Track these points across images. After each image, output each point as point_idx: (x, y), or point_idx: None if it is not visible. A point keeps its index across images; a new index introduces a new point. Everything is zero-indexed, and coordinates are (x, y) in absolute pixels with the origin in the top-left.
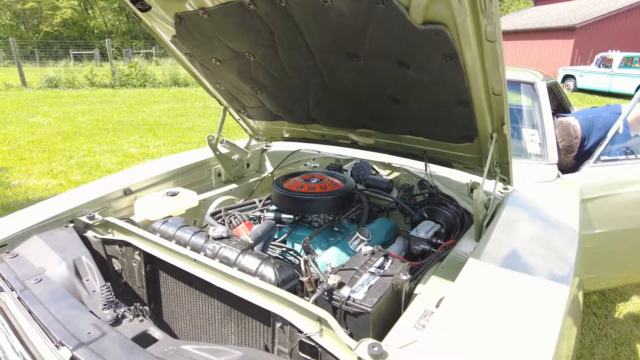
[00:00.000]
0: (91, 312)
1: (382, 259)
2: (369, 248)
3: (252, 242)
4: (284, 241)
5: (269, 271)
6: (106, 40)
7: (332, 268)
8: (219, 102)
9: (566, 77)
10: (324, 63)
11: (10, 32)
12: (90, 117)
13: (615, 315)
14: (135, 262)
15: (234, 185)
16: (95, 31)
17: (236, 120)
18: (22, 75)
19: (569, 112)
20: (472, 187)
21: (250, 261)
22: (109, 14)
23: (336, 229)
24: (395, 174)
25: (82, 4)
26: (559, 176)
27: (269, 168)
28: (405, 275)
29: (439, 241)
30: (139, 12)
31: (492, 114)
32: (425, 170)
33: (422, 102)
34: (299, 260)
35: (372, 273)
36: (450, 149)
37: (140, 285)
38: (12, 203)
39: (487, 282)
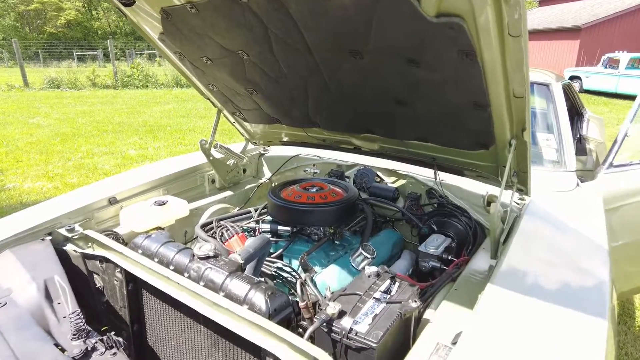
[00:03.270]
0: (56, 345)
1: (388, 281)
2: (374, 269)
3: (242, 261)
4: (280, 256)
5: (259, 298)
6: (108, 40)
7: (332, 293)
8: (213, 104)
9: (572, 78)
10: (324, 62)
11: (14, 33)
12: (91, 119)
13: (636, 332)
14: (116, 280)
15: (229, 193)
16: (99, 32)
17: (231, 123)
18: (24, 75)
19: (583, 115)
20: (489, 201)
21: (239, 286)
22: (112, 15)
23: (337, 242)
24: (402, 181)
25: (86, 5)
26: (578, 184)
27: (267, 174)
28: (415, 302)
29: (450, 257)
30: (122, 7)
31: (511, 119)
32: (435, 178)
33: (433, 105)
34: (295, 278)
35: (378, 299)
36: (462, 157)
37: (122, 305)
38: (5, 207)
39: (512, 312)
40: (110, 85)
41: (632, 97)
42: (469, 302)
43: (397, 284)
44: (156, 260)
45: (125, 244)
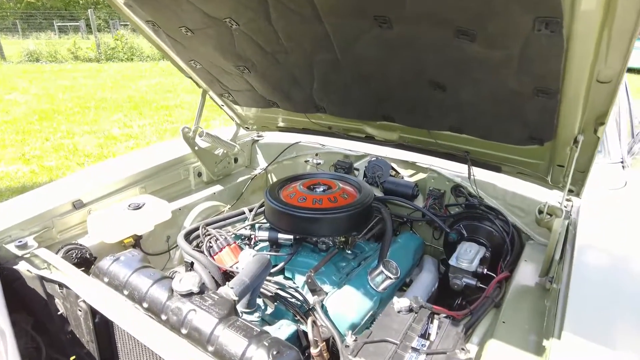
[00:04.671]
0: None
1: (424, 320)
2: (405, 302)
3: (236, 298)
4: (282, 270)
5: (260, 357)
6: (89, 10)
7: (355, 339)
8: (197, 84)
9: None
10: (338, 32)
11: None
12: (72, 94)
13: None
14: (80, 310)
15: (218, 187)
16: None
17: (219, 106)
18: (0, 48)
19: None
20: (550, 213)
21: (233, 340)
22: None
23: (349, 251)
24: (421, 175)
25: None
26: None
27: (262, 163)
28: (463, 350)
29: (485, 271)
30: None
31: (585, 110)
32: (469, 176)
33: (481, 90)
34: (300, 301)
35: (416, 350)
36: (504, 151)
37: (89, 339)
38: None
39: None
40: (93, 58)
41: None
42: (525, 342)
43: (435, 322)
44: (126, 293)
45: (93, 259)
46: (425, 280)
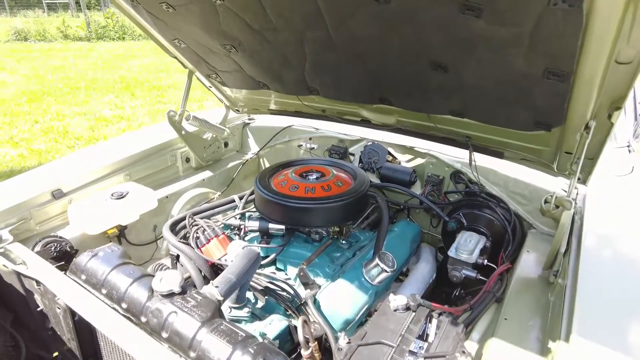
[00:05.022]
0: None
1: (422, 321)
2: (402, 300)
3: (221, 298)
4: (273, 261)
5: None
6: None
7: (348, 340)
8: (182, 64)
9: None
10: (331, 8)
11: None
12: (62, 75)
13: None
14: (59, 308)
15: (208, 173)
16: None
17: (207, 88)
18: None
19: None
20: (558, 205)
21: (217, 345)
22: None
23: (343, 241)
24: (419, 161)
25: None
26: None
27: (254, 147)
28: (464, 353)
29: (485, 262)
30: None
31: (600, 93)
32: (470, 162)
33: (487, 71)
34: (291, 295)
35: (414, 353)
36: (508, 137)
37: (70, 337)
38: None
39: None
40: (84, 37)
41: None
42: (529, 341)
43: (434, 322)
44: (104, 292)
45: (74, 252)
46: (423, 271)
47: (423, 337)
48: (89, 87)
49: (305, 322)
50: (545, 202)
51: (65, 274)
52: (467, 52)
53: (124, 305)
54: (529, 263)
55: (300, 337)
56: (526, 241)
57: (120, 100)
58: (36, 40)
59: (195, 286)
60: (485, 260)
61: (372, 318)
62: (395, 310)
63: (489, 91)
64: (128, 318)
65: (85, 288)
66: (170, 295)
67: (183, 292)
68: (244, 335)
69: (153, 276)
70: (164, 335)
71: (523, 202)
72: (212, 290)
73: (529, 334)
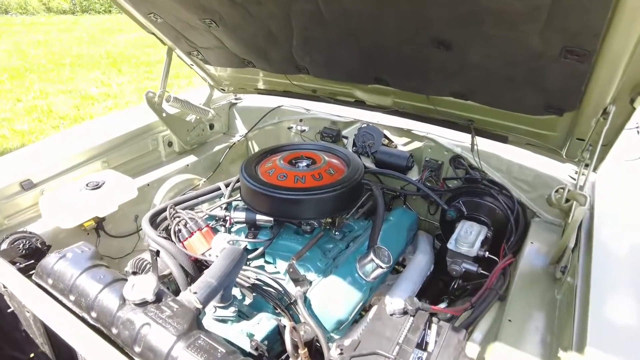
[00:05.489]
0: None
1: (422, 328)
2: (399, 303)
3: (200, 306)
4: (262, 254)
5: None
6: None
7: (341, 350)
8: (161, 41)
9: None
10: None
11: None
12: (45, 50)
13: None
14: (28, 312)
15: (192, 158)
16: None
17: (189, 66)
18: None
19: None
20: (570, 198)
21: None
22: None
23: (336, 232)
24: (417, 144)
25: None
26: None
27: (241, 129)
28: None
29: (486, 254)
30: None
31: (624, 75)
32: (472, 147)
33: (496, 49)
34: (281, 293)
35: None
36: (514, 121)
37: (43, 342)
38: None
39: None
40: (68, 10)
41: None
42: (536, 347)
43: (434, 328)
44: (72, 298)
45: (46, 248)
46: (420, 264)
47: (422, 345)
48: (74, 63)
49: (293, 328)
50: (556, 192)
51: (32, 277)
52: (473, 27)
53: (94, 314)
54: (533, 255)
55: (288, 345)
56: (530, 231)
57: (106, 77)
58: (17, 14)
59: (176, 285)
60: (487, 252)
61: (367, 324)
62: (391, 315)
63: (497, 72)
64: (98, 329)
65: (52, 294)
66: (143, 304)
67: (158, 300)
68: (223, 351)
69: (126, 280)
70: (137, 349)
71: (526, 189)
72: (190, 297)
73: (536, 338)
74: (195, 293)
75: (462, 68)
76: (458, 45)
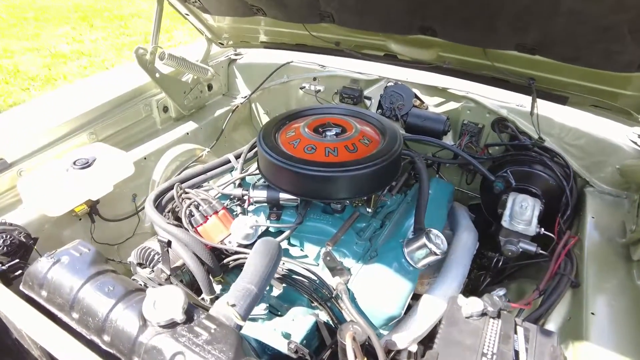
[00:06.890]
0: None
1: (512, 337)
2: (477, 304)
3: (243, 323)
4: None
5: None
6: None
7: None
8: None
9: None
10: None
11: None
12: (4, 2)
13: None
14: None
15: (192, 125)
16: None
17: (183, 16)
18: None
19: None
20: None
21: None
22: None
23: (368, 209)
24: (453, 104)
25: None
26: None
27: (243, 90)
28: None
29: (542, 231)
30: None
31: None
32: (532, 111)
33: None
34: (316, 284)
35: None
36: (584, 79)
37: (40, 354)
38: None
39: None
40: None
41: None
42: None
43: (520, 331)
44: (76, 316)
45: (32, 241)
46: (467, 243)
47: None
48: (38, 17)
49: (353, 338)
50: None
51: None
52: None
53: (107, 339)
54: (598, 233)
55: (350, 355)
56: (587, 204)
57: (77, 33)
58: None
59: (190, 276)
60: (542, 229)
61: (441, 332)
62: (467, 319)
63: (597, 19)
64: (113, 356)
65: (48, 310)
66: (171, 325)
67: (189, 319)
68: None
69: (143, 290)
70: None
71: (579, 156)
72: (228, 311)
73: (625, 336)
74: (233, 305)
75: (544, 13)
76: None
